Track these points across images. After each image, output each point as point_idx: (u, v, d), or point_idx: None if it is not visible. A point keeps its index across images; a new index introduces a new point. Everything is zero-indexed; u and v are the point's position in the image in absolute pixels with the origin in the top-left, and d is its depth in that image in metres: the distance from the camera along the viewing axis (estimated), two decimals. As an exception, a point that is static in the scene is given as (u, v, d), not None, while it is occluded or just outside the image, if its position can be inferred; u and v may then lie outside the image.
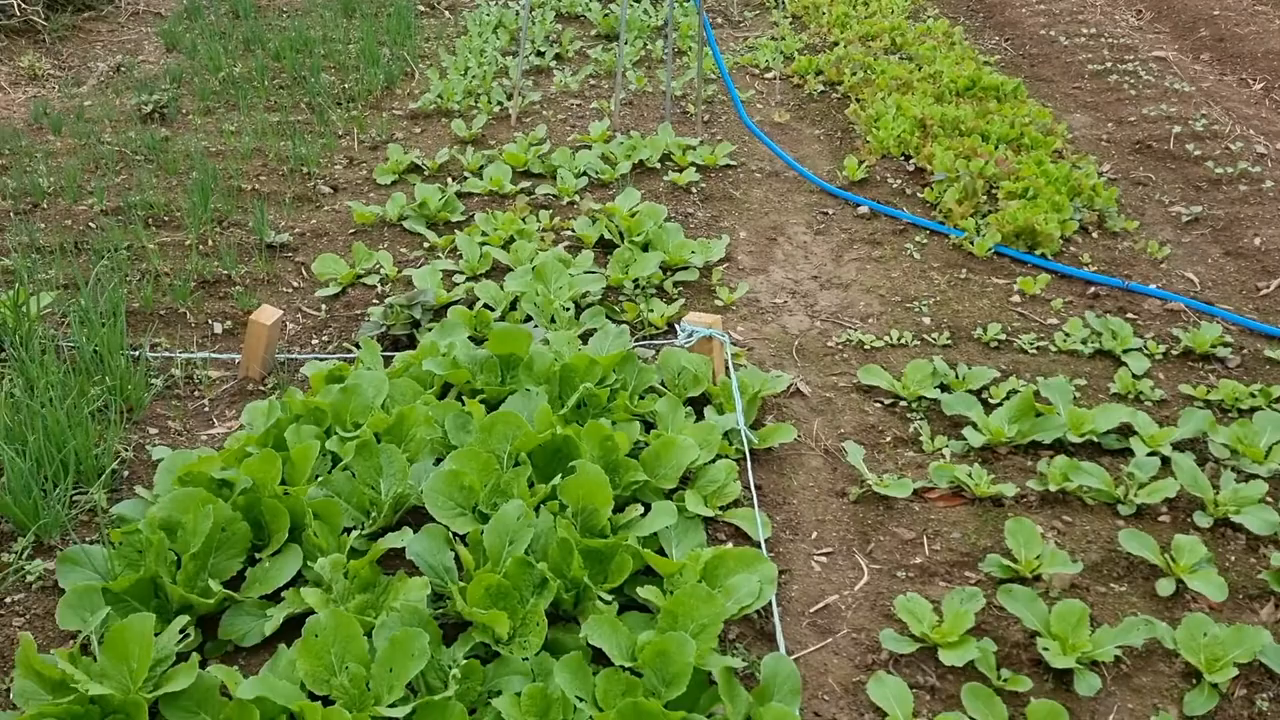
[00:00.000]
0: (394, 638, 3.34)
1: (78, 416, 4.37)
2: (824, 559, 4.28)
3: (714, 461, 4.48)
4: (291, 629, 3.65)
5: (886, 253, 6.76)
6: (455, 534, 3.88)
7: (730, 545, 4.17)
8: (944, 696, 3.62)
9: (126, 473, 4.52)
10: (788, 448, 4.90)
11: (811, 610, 4.00)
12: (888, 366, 5.50)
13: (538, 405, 4.53)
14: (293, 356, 5.53)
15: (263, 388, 5.31)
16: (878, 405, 5.29)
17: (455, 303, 5.84)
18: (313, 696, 3.31)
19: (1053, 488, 4.47)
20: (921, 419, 5.13)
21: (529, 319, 5.62)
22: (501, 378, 4.91)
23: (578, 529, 3.87)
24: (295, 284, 6.32)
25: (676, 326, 5.58)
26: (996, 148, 7.63)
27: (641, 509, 4.06)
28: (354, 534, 3.91)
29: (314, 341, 5.76)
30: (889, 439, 5.02)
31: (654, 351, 5.35)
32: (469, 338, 5.20)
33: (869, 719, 3.53)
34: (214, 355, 5.54)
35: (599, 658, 3.44)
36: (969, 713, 3.47)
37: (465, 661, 3.38)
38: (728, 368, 5.23)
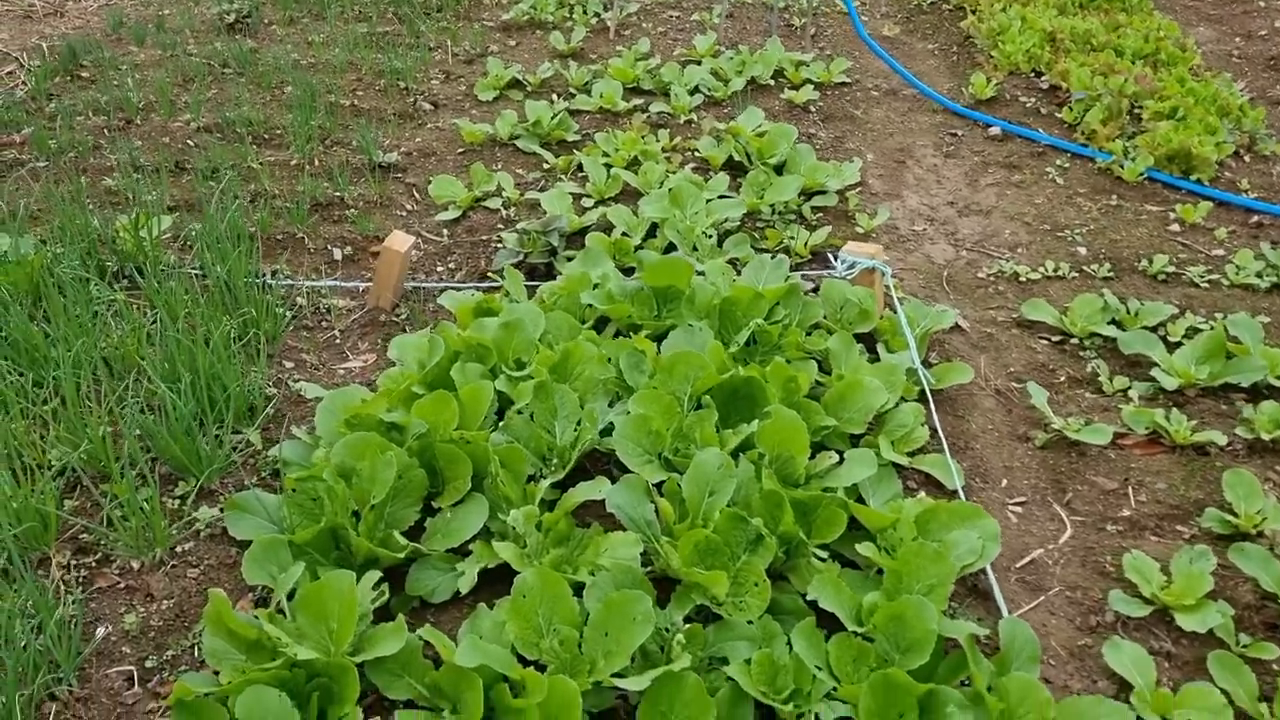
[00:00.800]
0: (610, 600, 3.11)
1: (227, 351, 4.12)
2: (1019, 509, 4.02)
3: (899, 404, 4.20)
4: (480, 585, 3.44)
5: (1026, 177, 6.38)
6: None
7: (923, 495, 3.91)
8: (1181, 664, 3.37)
9: (271, 410, 4.27)
10: (957, 389, 4.61)
11: (1017, 566, 3.75)
12: (1049, 300, 5.18)
13: (705, 342, 4.25)
14: (421, 285, 5.26)
15: (394, 318, 5.04)
16: (1044, 342, 4.98)
17: (588, 229, 5.52)
18: (522, 660, 3.10)
19: (1264, 436, 4.17)
20: (1096, 358, 4.83)
21: (670, 247, 5.30)
22: (657, 311, 4.62)
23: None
24: (409, 206, 6.02)
25: (830, 256, 5.27)
26: (1133, 63, 7.18)
27: (836, 457, 3.79)
28: (538, 483, 3.67)
29: (439, 269, 5.48)
30: (1063, 379, 4.73)
31: (811, 284, 5.04)
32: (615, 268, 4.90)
33: (1104, 686, 3.30)
34: (339, 283, 5.26)
35: (820, 620, 3.20)
36: (1218, 683, 3.23)
37: (687, 626, 3.15)
38: (890, 301, 4.93)
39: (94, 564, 3.53)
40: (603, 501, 3.58)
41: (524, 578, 3.16)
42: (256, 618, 3.10)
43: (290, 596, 3.23)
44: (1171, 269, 5.42)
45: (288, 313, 4.96)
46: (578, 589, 3.24)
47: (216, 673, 3.09)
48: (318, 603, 3.12)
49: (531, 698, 2.89)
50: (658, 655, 3.14)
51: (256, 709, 2.84)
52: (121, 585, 3.46)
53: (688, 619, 3.24)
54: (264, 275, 5.11)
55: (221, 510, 3.66)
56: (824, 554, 3.45)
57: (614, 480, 3.62)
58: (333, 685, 3.04)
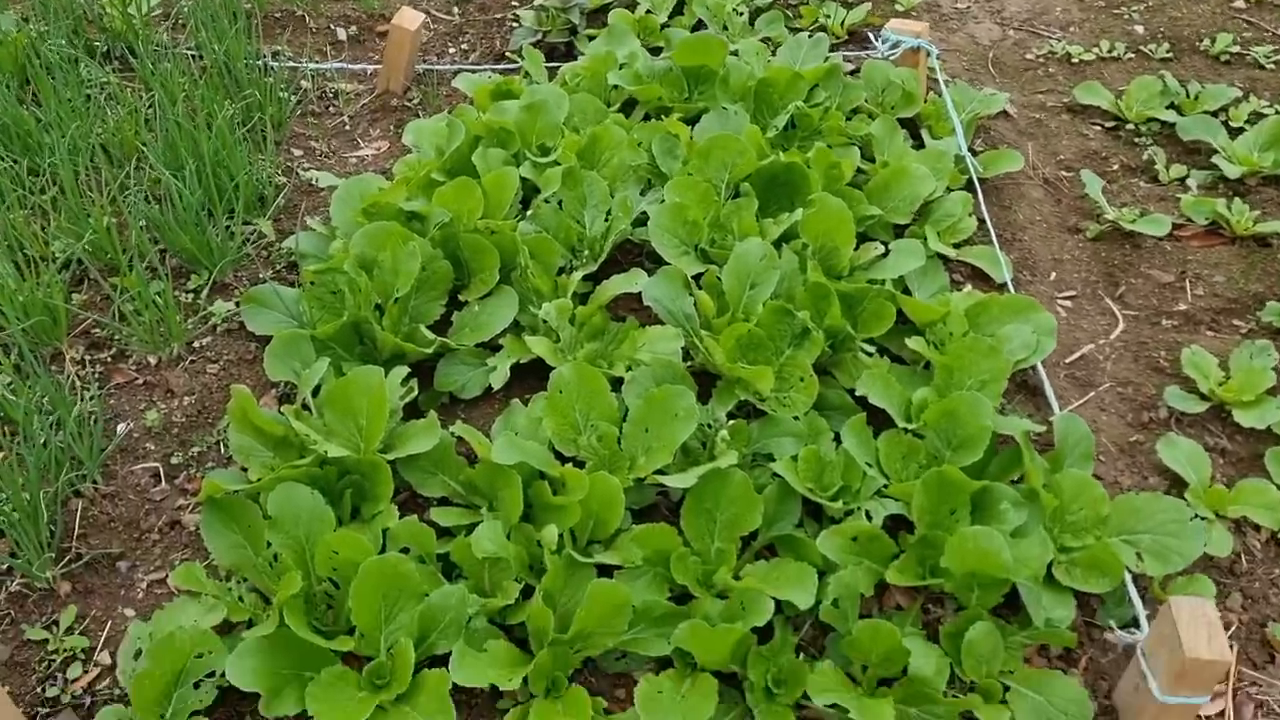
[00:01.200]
0: (651, 395, 2.98)
1: (231, 137, 3.86)
2: (1068, 303, 3.85)
3: (946, 193, 3.96)
4: (511, 381, 3.30)
5: (1079, -52, 5.90)
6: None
7: (969, 288, 3.73)
8: (1237, 460, 3.28)
9: (282, 201, 4.05)
10: (1005, 178, 4.36)
11: (1067, 362, 3.61)
12: (1104, 83, 4.85)
13: (741, 126, 3.98)
14: (433, 68, 4.92)
15: (406, 102, 4.74)
16: (1097, 128, 4.70)
17: (610, 5, 5.14)
18: (559, 458, 2.99)
19: (1332, 227, 3.96)
20: (1153, 145, 4.55)
21: (699, 25, 4.94)
22: (688, 93, 4.32)
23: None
24: (415, -18, 5.58)
25: (869, 35, 4.91)
26: None
27: (881, 248, 3.59)
28: (569, 275, 3.48)
29: (451, 50, 5.13)
30: (1117, 167, 4.47)
31: (850, 66, 4.71)
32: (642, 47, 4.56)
33: (1155, 482, 3.21)
34: (346, 66, 4.93)
35: (868, 417, 3.08)
36: (1275, 479, 3.13)
37: (730, 422, 3.03)
38: (934, 84, 4.61)
39: (109, 360, 3.39)
40: (638, 295, 3.40)
41: (560, 372, 3.02)
42: (283, 414, 2.98)
43: (315, 393, 3.11)
44: (1235, 49, 5.06)
45: (292, 97, 4.66)
46: (615, 384, 3.11)
47: (244, 469, 2.99)
48: (345, 399, 2.99)
49: (572, 495, 2.79)
50: (700, 452, 3.03)
51: (289, 506, 2.75)
52: (140, 381, 3.33)
53: (730, 415, 3.11)
54: (265, 57, 4.77)
55: (238, 304, 3.49)
56: (871, 349, 3.30)
57: (649, 274, 3.43)
58: (365, 483, 2.95)
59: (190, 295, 3.57)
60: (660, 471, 2.90)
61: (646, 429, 2.97)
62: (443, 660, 2.55)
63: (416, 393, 3.19)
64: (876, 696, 2.62)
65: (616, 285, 3.36)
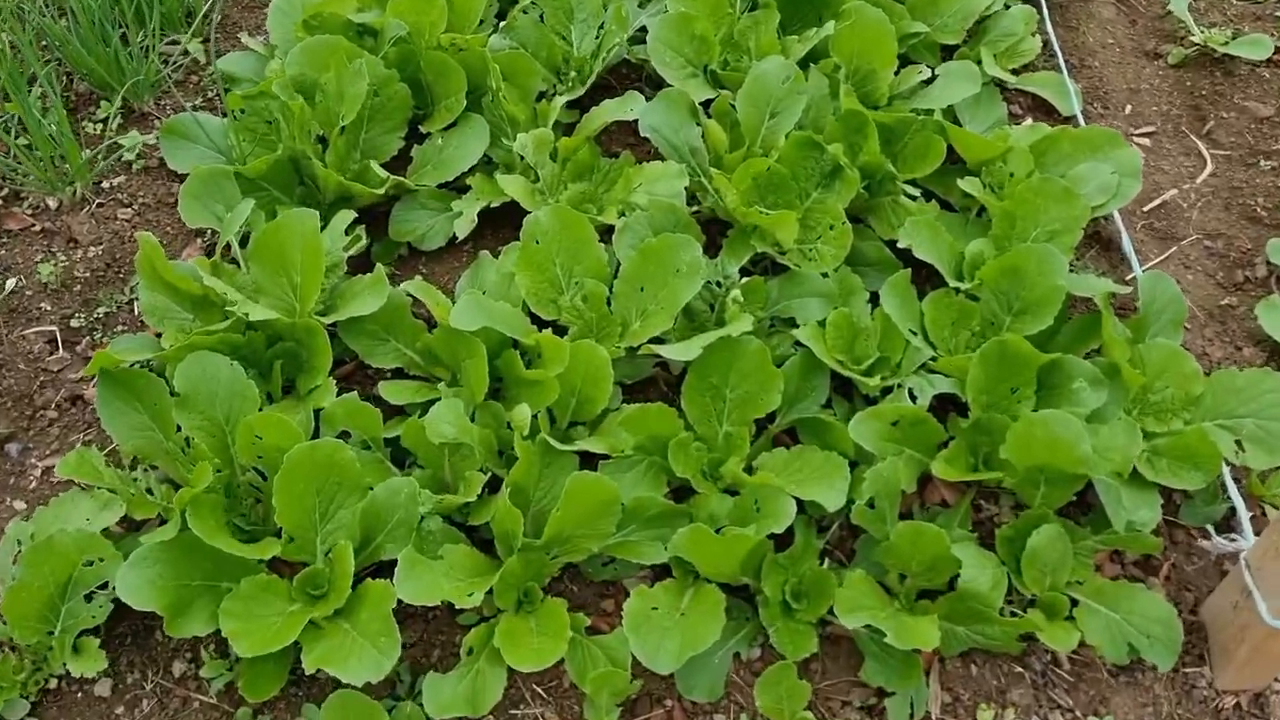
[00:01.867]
0: (647, 247, 2.43)
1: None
2: (1146, 141, 3.25)
3: (1005, 9, 3.32)
4: (482, 228, 2.76)
5: None
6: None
7: (1030, 121, 3.13)
8: (1347, 326, 2.73)
9: (217, 16, 3.42)
10: (1070, -8, 3.70)
11: (1145, 210, 3.04)
12: (1186, -116, 4.11)
13: (760, -74, 3.30)
14: None
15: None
16: (1178, -64, 3.99)
17: None
18: (536, 322, 2.47)
19: None
20: (1246, -46, 3.86)
21: None
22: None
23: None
24: None
25: None
26: None
27: (927, 72, 2.98)
28: (551, 101, 2.89)
29: None
30: (1201, -20, 3.79)
31: None
32: None
33: (1250, 354, 2.68)
34: None
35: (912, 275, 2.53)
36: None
37: (744, 280, 2.49)
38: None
39: None
40: (633, 125, 2.82)
41: (537, 218, 2.47)
42: (198, 271, 2.44)
43: (245, 243, 2.57)
44: None
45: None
46: (605, 233, 2.56)
47: (159, 335, 2.48)
48: (276, 249, 2.45)
49: (550, 367, 2.28)
50: (707, 316, 2.50)
51: (203, 380, 2.25)
52: (36, 228, 2.79)
53: (745, 272, 2.57)
54: None
55: (157, 137, 2.91)
56: (915, 191, 2.73)
57: (647, 99, 2.84)
58: (300, 351, 2.44)
59: (99, 125, 2.99)
60: (658, 340, 2.38)
61: (642, 287, 2.44)
62: (392, 568, 2.08)
63: (365, 242, 2.65)
64: (917, 613, 2.15)
65: (607, 112, 2.78)
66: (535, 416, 2.27)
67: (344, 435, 2.28)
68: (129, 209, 2.82)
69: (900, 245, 2.52)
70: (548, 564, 2.20)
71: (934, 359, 2.39)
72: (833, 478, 2.15)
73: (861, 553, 2.29)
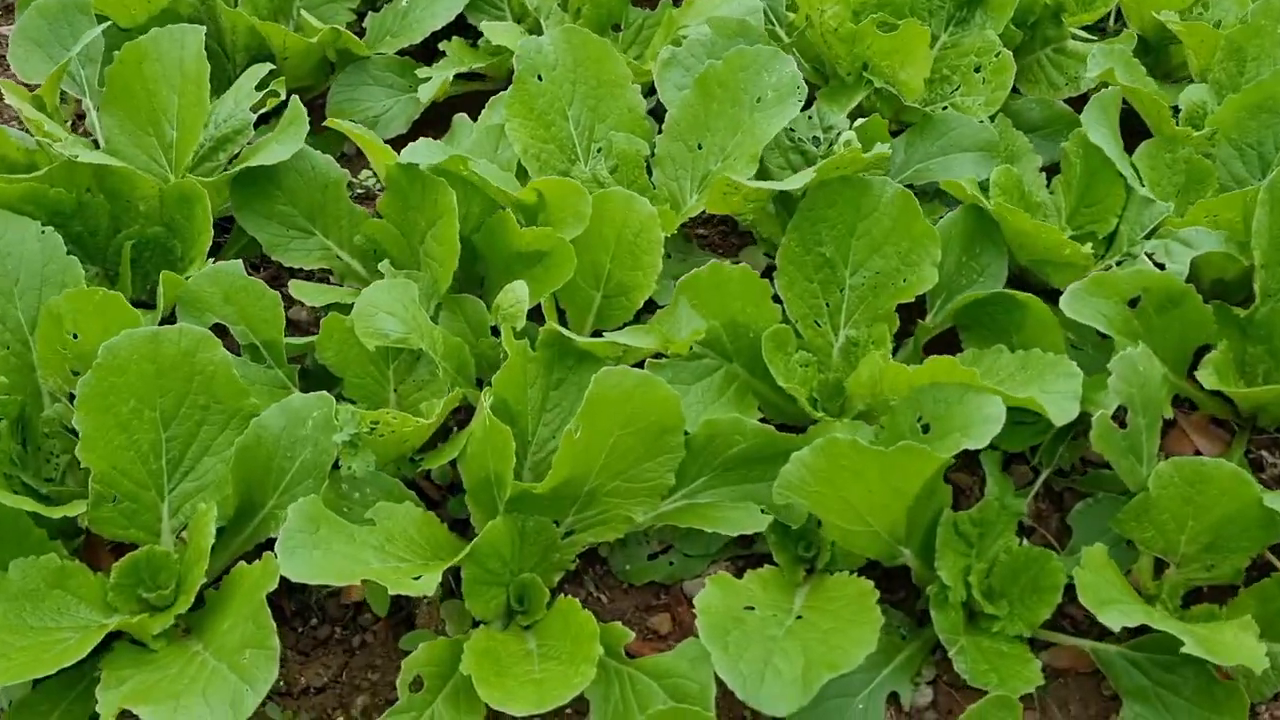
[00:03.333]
0: (710, 74, 1.61)
1: None
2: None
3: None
4: None
5: None
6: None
7: None
8: None
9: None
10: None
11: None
12: None
13: None
14: None
15: None
16: None
17: None
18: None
19: None
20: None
21: None
22: None
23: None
24: None
25: None
26: None
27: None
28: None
29: None
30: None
31: None
32: None
33: None
34: None
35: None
36: None
37: (859, 122, 1.63)
38: None
39: None
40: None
41: (539, 44, 1.64)
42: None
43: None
44: None
45: None
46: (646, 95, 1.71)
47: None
48: (139, 88, 1.61)
49: (560, 226, 1.41)
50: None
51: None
52: None
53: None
54: None
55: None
56: (1089, 37, 1.89)
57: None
58: (167, 238, 1.57)
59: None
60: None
61: (700, 142, 1.58)
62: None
63: (283, 100, 1.79)
64: (1207, 618, 1.22)
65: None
66: (538, 310, 1.39)
67: (216, 330, 1.37)
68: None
69: (1090, 75, 1.65)
70: (556, 543, 1.27)
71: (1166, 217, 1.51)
72: (1052, 373, 1.24)
73: (1081, 527, 1.36)
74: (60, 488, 1.34)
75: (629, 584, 1.37)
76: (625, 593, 1.37)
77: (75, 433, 1.38)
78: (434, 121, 1.91)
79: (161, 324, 1.33)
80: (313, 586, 1.34)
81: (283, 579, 1.11)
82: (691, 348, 1.34)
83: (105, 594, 1.22)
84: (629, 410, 1.20)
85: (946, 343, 1.48)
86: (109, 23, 1.73)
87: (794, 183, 1.39)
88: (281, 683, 1.26)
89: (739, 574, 1.27)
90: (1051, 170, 1.69)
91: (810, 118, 1.69)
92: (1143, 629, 1.25)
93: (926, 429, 1.22)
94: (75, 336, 1.32)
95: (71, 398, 1.39)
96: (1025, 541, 1.34)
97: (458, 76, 1.93)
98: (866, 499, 1.13)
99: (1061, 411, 1.20)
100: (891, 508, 1.15)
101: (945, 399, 1.21)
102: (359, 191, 1.87)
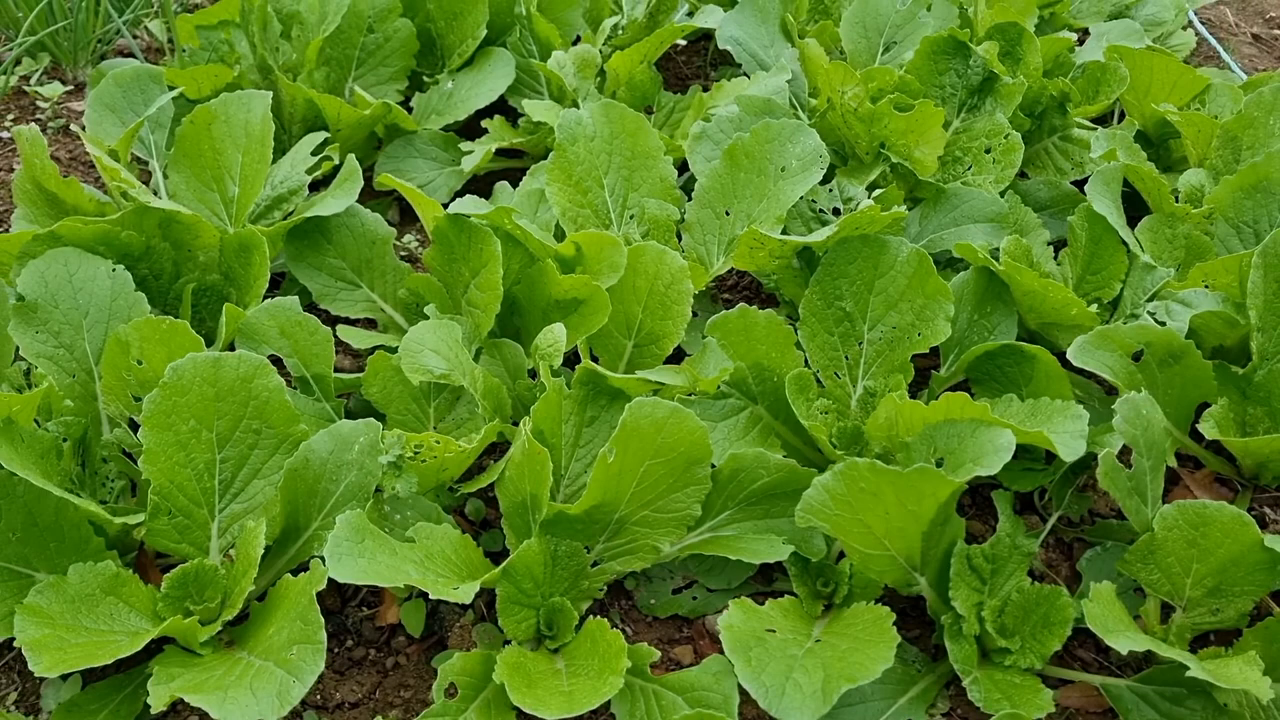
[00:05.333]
0: (739, 147, 1.72)
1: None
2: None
3: (1147, -2, 2.72)
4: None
5: None
6: None
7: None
8: None
9: None
10: None
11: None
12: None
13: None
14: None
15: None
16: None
17: None
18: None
19: None
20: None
21: None
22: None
23: None
24: None
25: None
26: None
27: (1073, 36, 2.33)
28: (595, 31, 2.23)
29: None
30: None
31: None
32: None
33: None
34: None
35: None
36: None
37: (876, 193, 1.73)
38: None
39: None
40: (704, 48, 2.15)
41: (578, 116, 1.76)
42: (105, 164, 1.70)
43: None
44: None
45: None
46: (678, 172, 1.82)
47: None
48: (207, 148, 1.73)
49: (596, 274, 1.49)
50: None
51: (62, 288, 1.49)
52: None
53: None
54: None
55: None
56: (1092, 127, 2.01)
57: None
58: (224, 286, 1.66)
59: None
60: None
61: (728, 209, 1.69)
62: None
63: (337, 164, 1.91)
64: (1212, 656, 1.27)
65: (673, 29, 2.09)
66: (572, 358, 1.47)
67: (275, 360, 1.46)
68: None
69: (1094, 155, 1.76)
70: (586, 570, 1.33)
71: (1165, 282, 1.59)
72: (1061, 415, 1.31)
73: (1090, 573, 1.42)
74: (116, 506, 1.41)
75: (653, 617, 1.42)
76: (649, 625, 1.42)
77: (133, 457, 1.47)
78: (475, 194, 2.03)
79: (221, 354, 1.43)
80: (350, 610, 1.41)
81: (323, 601, 1.17)
82: (719, 388, 1.42)
83: (155, 604, 1.28)
84: (659, 440, 1.27)
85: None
86: (178, 90, 1.86)
87: (817, 236, 1.48)
88: (318, 695, 1.31)
89: (764, 598, 1.32)
90: (1059, 246, 1.80)
91: (831, 190, 1.80)
92: (1151, 664, 1.31)
93: (940, 463, 1.29)
94: (140, 363, 1.41)
95: (131, 423, 1.48)
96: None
97: (498, 152, 2.07)
98: (883, 522, 1.20)
99: (1069, 449, 1.26)
100: (907, 531, 1.21)
101: (958, 434, 1.28)
102: (402, 254, 1.99)
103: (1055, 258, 1.75)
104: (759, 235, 1.50)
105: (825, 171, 1.63)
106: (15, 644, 1.14)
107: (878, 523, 1.20)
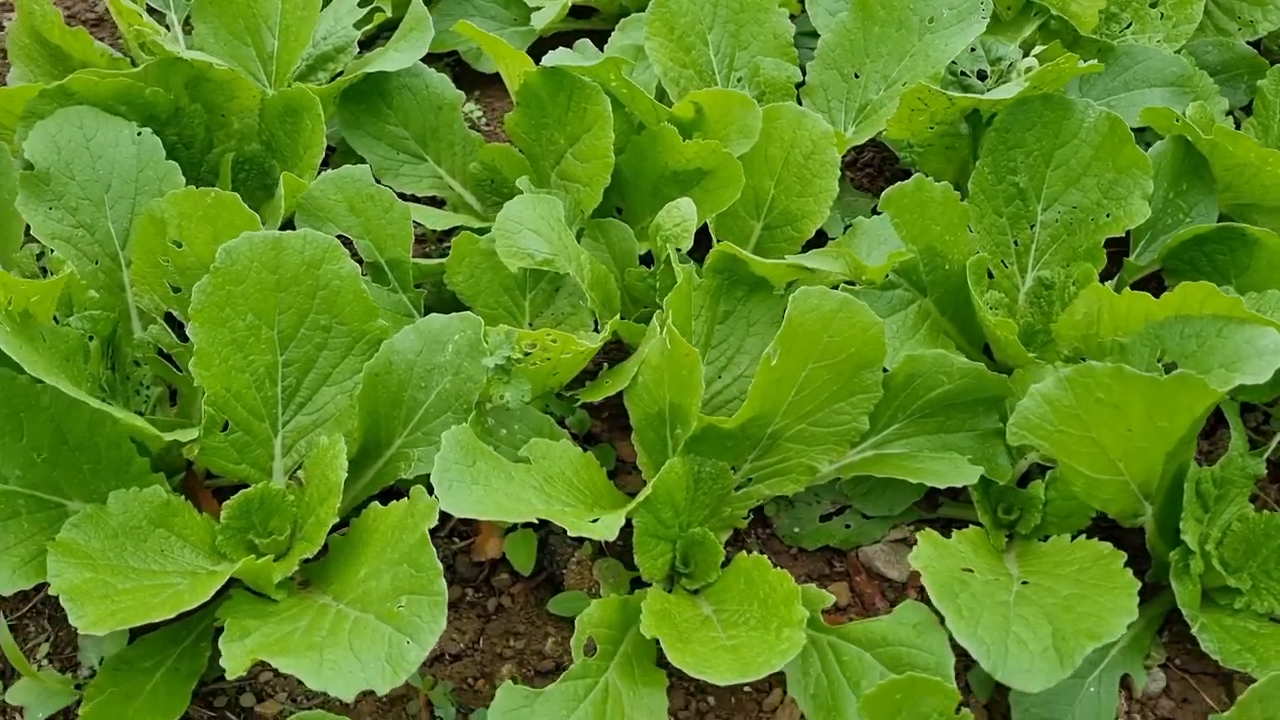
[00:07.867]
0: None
1: None
2: None
3: None
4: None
5: None
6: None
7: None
8: None
9: None
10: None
11: None
12: None
13: None
14: None
15: None
16: None
17: None
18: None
19: None
20: None
21: None
22: None
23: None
24: None
25: None
26: None
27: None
28: None
29: None
30: None
31: None
32: None
33: None
34: None
35: None
36: None
37: (1040, 49, 1.47)
38: None
39: None
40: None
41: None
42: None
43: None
44: None
45: None
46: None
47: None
48: (238, -6, 1.45)
49: (724, 139, 1.24)
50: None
51: (78, 152, 1.22)
52: None
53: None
54: None
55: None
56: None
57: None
58: (265, 156, 1.40)
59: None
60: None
61: (857, 71, 1.43)
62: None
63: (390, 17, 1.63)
64: None
65: None
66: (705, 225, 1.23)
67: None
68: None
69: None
70: (729, 495, 1.10)
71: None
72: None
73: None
74: (157, 419, 1.17)
75: (798, 548, 1.20)
76: (794, 558, 1.20)
77: (171, 359, 1.22)
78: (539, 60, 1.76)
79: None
80: (439, 541, 1.18)
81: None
82: (886, 277, 1.18)
83: (213, 537, 1.05)
84: (826, 339, 1.04)
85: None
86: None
87: (1003, 92, 1.23)
88: (411, 646, 1.09)
89: (948, 528, 1.10)
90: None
91: (974, 50, 1.54)
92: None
93: (1168, 369, 1.06)
94: (179, 245, 1.16)
95: (168, 318, 1.23)
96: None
97: (569, 12, 1.78)
98: (1123, 440, 0.97)
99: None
100: (1151, 452, 0.99)
101: (1197, 333, 1.04)
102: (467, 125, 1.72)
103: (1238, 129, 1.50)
104: (927, 92, 1.24)
105: (989, 16, 1.36)
106: (50, 590, 0.92)
107: (1115, 442, 0.97)
